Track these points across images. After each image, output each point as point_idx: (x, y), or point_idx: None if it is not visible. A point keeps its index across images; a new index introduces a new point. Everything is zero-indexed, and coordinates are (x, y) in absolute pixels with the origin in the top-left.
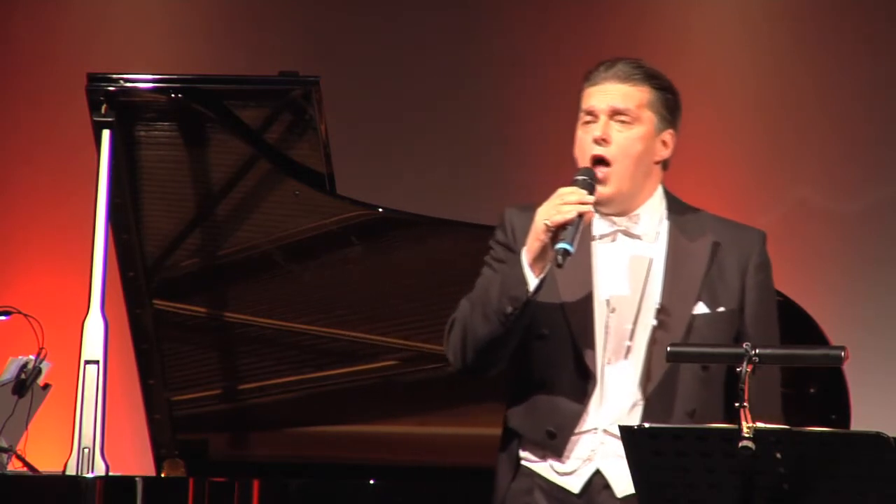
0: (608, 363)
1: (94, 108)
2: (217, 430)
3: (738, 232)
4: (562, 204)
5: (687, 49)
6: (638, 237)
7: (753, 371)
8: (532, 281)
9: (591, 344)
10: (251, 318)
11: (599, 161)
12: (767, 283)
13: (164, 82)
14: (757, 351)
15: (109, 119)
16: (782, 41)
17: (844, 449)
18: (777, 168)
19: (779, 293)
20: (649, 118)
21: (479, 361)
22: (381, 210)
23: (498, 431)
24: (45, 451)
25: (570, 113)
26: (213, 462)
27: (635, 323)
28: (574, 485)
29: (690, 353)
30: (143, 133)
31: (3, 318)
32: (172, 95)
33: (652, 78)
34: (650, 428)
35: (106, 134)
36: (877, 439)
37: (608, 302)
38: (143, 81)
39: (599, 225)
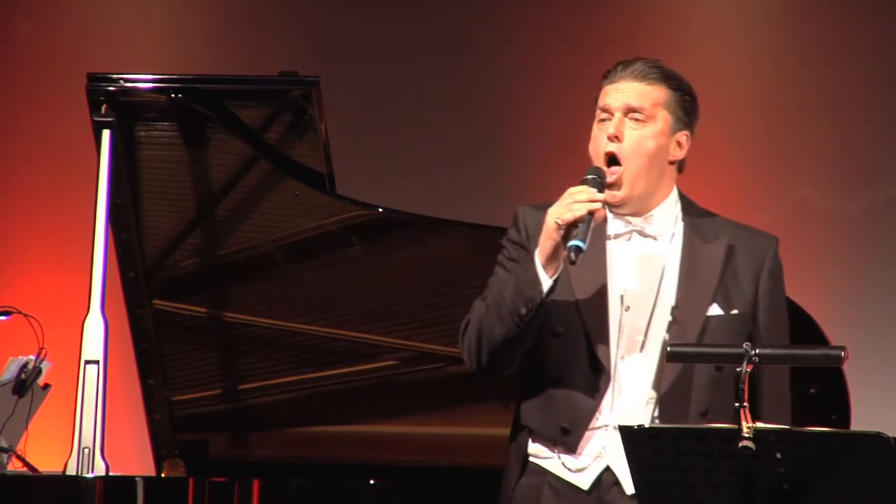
0: (622, 360)
1: (94, 108)
2: (217, 430)
3: (752, 236)
4: (572, 202)
5: (687, 49)
6: (653, 237)
7: (753, 371)
8: (546, 282)
9: (605, 341)
10: (251, 318)
11: (612, 160)
12: (780, 288)
13: (164, 82)
14: (756, 351)
15: (109, 119)
16: (782, 41)
17: (844, 449)
18: (777, 168)
19: None
20: (664, 118)
21: (494, 362)
22: (381, 210)
23: (498, 431)
24: (45, 451)
25: (570, 113)
26: (213, 462)
27: (650, 321)
28: (584, 481)
29: (690, 353)
30: (143, 133)
31: (3, 318)
32: (172, 95)
33: (669, 78)
34: (650, 428)
35: (106, 134)
36: (877, 439)
37: (622, 299)
38: (143, 81)
39: (615, 224)
